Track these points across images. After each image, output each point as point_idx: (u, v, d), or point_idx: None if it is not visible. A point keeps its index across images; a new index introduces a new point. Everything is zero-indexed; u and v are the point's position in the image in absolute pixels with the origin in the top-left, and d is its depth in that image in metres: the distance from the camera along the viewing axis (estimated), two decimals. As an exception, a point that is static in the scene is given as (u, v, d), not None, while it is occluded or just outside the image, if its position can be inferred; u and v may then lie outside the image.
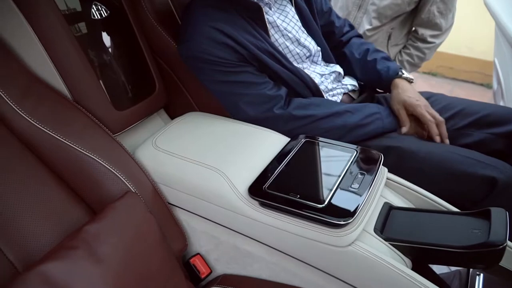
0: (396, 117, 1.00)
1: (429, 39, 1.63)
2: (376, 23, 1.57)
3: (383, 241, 0.69)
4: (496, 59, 1.78)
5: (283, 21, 1.00)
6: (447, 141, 0.97)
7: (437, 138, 0.95)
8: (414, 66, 1.72)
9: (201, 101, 0.99)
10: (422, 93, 1.15)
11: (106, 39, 0.86)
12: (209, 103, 0.98)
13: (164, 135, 0.85)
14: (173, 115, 1.02)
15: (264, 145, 0.84)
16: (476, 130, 1.03)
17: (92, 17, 0.83)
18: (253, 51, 0.89)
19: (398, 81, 1.04)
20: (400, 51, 1.71)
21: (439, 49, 1.74)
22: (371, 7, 1.56)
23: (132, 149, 0.83)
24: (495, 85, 1.83)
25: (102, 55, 0.85)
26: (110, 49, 0.87)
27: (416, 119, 0.99)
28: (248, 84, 0.90)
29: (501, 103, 1.67)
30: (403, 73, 1.06)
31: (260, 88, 0.91)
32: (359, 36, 1.21)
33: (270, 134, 0.88)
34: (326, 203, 0.67)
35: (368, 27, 1.59)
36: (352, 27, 1.23)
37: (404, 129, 0.98)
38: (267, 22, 0.96)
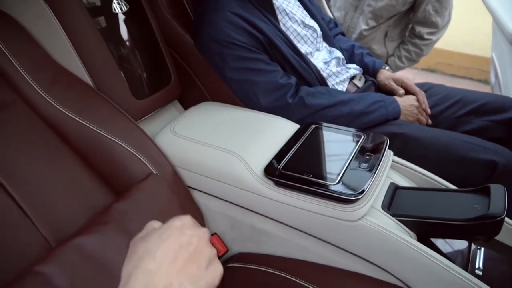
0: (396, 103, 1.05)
1: (426, 36, 1.68)
2: (372, 23, 1.63)
3: (390, 216, 0.74)
4: (493, 54, 1.83)
5: (288, 5, 1.07)
6: (429, 121, 1.09)
7: (428, 118, 1.09)
8: (412, 61, 1.77)
9: (214, 92, 1.04)
10: (422, 84, 1.21)
11: (125, 32, 0.91)
12: (221, 94, 1.02)
13: (181, 122, 0.90)
14: (186, 106, 1.07)
15: (276, 131, 0.89)
16: (475, 118, 1.08)
17: (113, 11, 0.87)
18: (267, 35, 0.96)
19: (383, 70, 1.20)
20: (398, 47, 1.76)
21: (438, 45, 1.79)
22: (367, 8, 1.61)
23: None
24: (492, 79, 1.88)
25: (122, 47, 0.90)
26: (129, 42, 0.91)
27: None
28: (261, 72, 0.96)
29: (499, 96, 1.72)
30: (386, 66, 1.21)
31: (272, 76, 0.96)
32: (343, 34, 1.33)
33: (282, 121, 0.93)
34: (337, 181, 0.72)
35: (364, 27, 1.65)
36: (336, 24, 1.33)
37: (401, 92, 1.11)
38: (275, 7, 1.02)
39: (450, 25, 1.71)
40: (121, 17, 0.90)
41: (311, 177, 0.73)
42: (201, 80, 1.04)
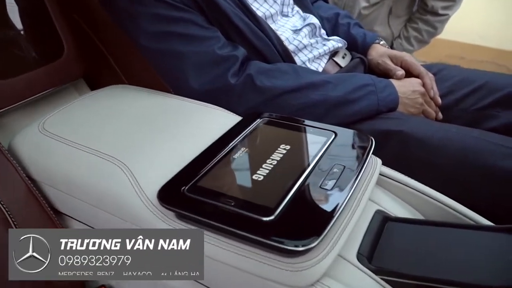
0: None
1: (441, 11, 1.41)
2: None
3: (370, 274, 0.43)
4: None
5: None
6: (440, 114, 0.81)
7: (438, 110, 0.80)
8: (422, 43, 1.50)
9: (130, 71, 0.75)
10: (433, 64, 0.92)
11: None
12: (141, 74, 0.73)
13: (60, 114, 0.60)
14: (96, 89, 0.77)
15: (202, 127, 0.58)
16: (502, 110, 0.79)
17: None
18: None
19: (376, 45, 0.90)
20: (405, 26, 1.48)
21: (448, 37, 1.55)
22: None
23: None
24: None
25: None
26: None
27: None
28: (191, 39, 0.66)
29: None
30: (380, 41, 0.91)
31: (207, 45, 0.67)
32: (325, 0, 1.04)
33: (216, 112, 0.62)
34: (276, 214, 0.41)
35: (365, 4, 1.36)
36: None
37: (400, 73, 0.81)
38: None
39: (462, 15, 1.43)
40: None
41: (233, 205, 0.43)
42: (112, 55, 0.74)
